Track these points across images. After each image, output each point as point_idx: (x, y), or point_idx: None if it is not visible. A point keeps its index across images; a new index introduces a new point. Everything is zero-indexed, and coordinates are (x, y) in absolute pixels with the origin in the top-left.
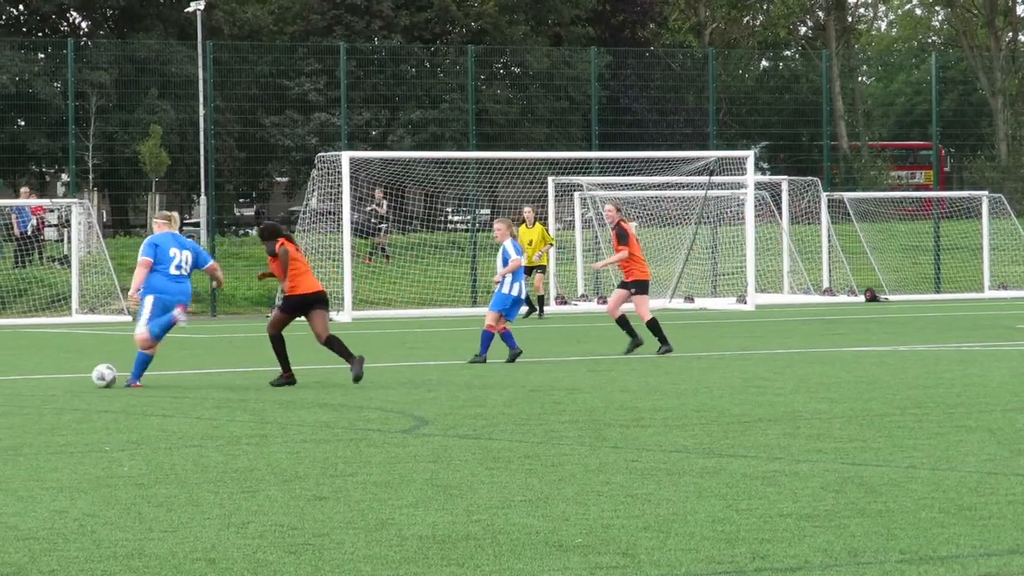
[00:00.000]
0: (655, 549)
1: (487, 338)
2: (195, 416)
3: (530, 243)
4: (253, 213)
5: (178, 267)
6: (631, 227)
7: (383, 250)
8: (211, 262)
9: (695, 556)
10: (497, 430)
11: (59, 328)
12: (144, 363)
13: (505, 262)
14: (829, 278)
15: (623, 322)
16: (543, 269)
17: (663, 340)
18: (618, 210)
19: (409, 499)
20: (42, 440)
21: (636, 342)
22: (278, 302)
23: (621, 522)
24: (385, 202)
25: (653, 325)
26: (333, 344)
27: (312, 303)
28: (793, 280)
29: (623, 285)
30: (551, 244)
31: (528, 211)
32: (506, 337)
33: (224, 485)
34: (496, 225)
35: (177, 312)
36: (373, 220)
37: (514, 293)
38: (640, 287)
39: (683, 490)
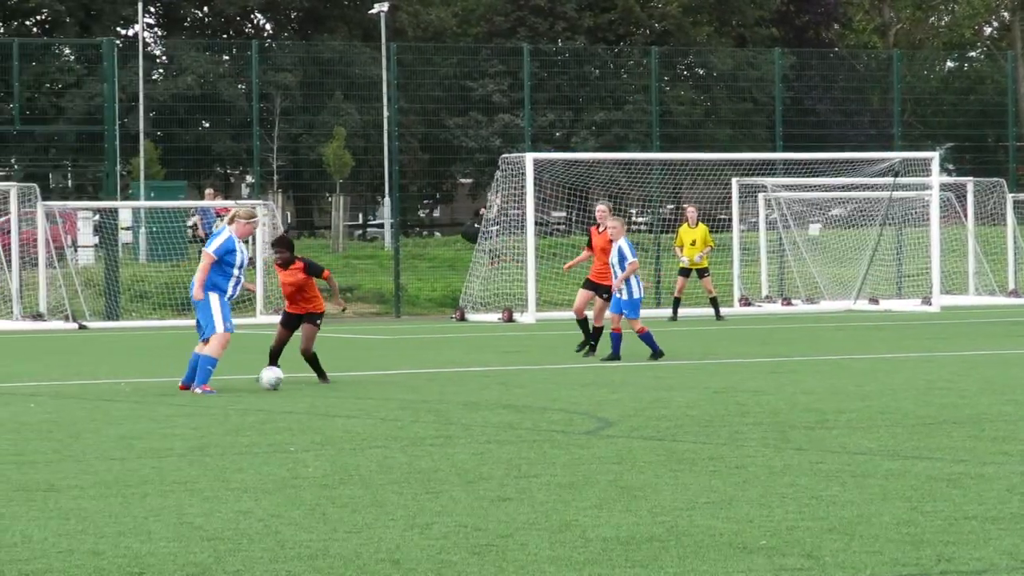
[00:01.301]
0: (839, 551)
1: (616, 340)
2: (379, 417)
3: (692, 243)
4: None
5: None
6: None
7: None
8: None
9: (880, 559)
10: (681, 431)
11: (243, 329)
12: (214, 366)
13: (620, 260)
14: (1015, 279)
15: (585, 323)
16: (707, 272)
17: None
18: (612, 211)
19: (593, 500)
20: (227, 441)
21: (598, 348)
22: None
23: (805, 524)
24: (496, 203)
25: (599, 332)
26: (314, 359)
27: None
28: (979, 281)
29: (592, 286)
30: (712, 247)
31: (692, 210)
32: (645, 338)
33: (408, 486)
34: (611, 223)
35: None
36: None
37: (642, 294)
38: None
39: (868, 492)
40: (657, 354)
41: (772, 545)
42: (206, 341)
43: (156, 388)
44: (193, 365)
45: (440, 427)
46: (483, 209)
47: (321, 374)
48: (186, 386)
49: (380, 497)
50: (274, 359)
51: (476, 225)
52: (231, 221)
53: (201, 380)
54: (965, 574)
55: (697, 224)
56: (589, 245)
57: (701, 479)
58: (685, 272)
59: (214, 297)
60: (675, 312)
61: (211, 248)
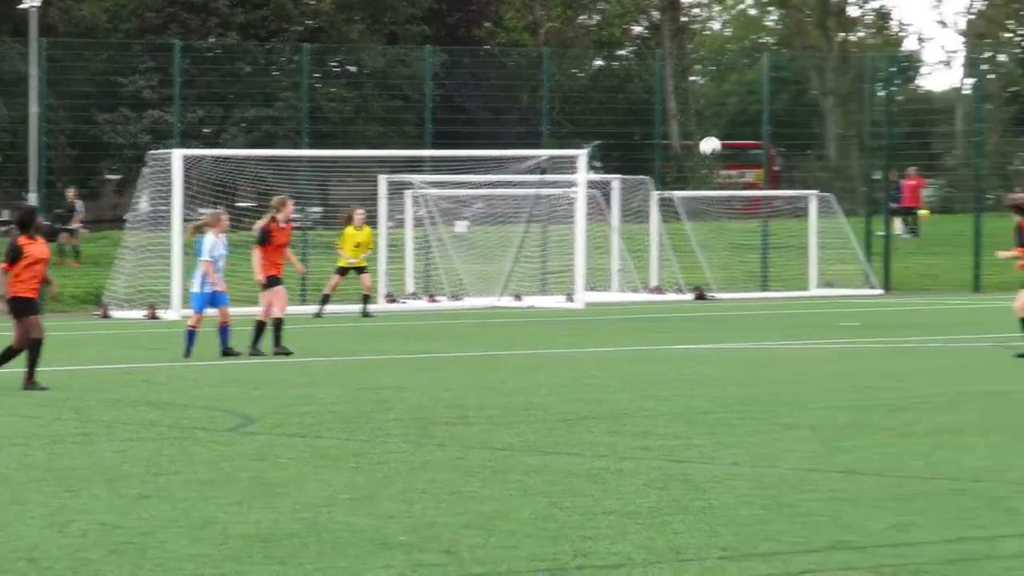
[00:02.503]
0: (478, 547)
1: (190, 336)
2: (20, 414)
3: (357, 245)
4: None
5: None
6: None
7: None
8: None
9: (517, 553)
10: (324, 428)
11: None
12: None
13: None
14: (658, 276)
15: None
16: (366, 269)
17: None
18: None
19: (234, 497)
20: None
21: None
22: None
23: (445, 520)
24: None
25: (277, 323)
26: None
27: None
28: (622, 278)
29: (277, 281)
30: (372, 249)
31: (360, 213)
32: (189, 335)
33: (47, 484)
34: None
35: None
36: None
37: (204, 291)
38: (273, 281)
39: (507, 488)
40: (187, 353)
41: (411, 541)
42: None
43: None
44: None
45: (81, 425)
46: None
47: None
48: None
49: (20, 495)
50: None
51: (48, 222)
52: None
53: None
54: (602, 568)
55: (362, 226)
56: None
57: (343, 475)
58: (342, 271)
59: None
60: (321, 309)
61: None
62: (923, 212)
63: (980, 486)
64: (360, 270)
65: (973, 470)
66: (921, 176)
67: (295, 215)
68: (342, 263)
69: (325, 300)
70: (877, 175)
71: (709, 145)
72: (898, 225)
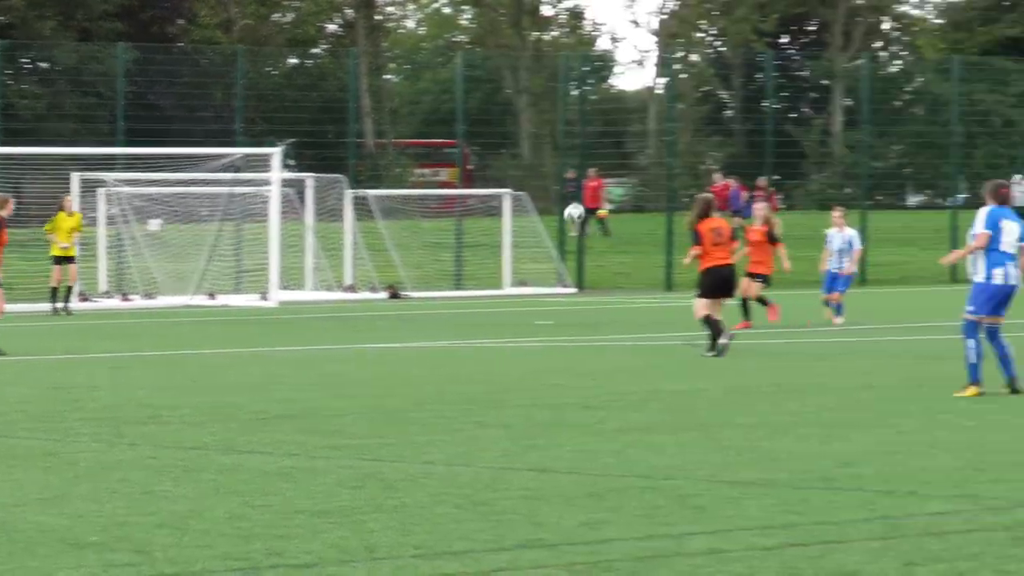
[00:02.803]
0: (170, 546)
1: None
2: None
3: (70, 230)
4: None
5: None
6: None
7: None
8: None
9: (211, 553)
10: (14, 427)
11: None
12: None
13: None
14: (352, 275)
15: None
16: (73, 260)
17: None
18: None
19: None
20: None
21: None
22: None
23: (136, 519)
24: None
25: None
26: None
27: None
28: (317, 277)
29: None
30: (81, 232)
31: (69, 199)
32: None
33: None
34: None
35: None
36: None
37: None
38: None
39: (201, 487)
40: None
41: (102, 541)
42: None
43: None
44: None
45: None
46: None
47: None
48: None
49: None
50: None
51: None
52: None
53: None
54: (295, 567)
55: (72, 213)
56: None
57: (34, 475)
58: (59, 260)
59: None
60: (58, 304)
61: None
62: (602, 212)
63: (670, 484)
64: (68, 260)
65: (663, 468)
66: (601, 176)
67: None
68: (56, 251)
69: (54, 294)
70: (571, 174)
71: (576, 211)
72: (575, 227)
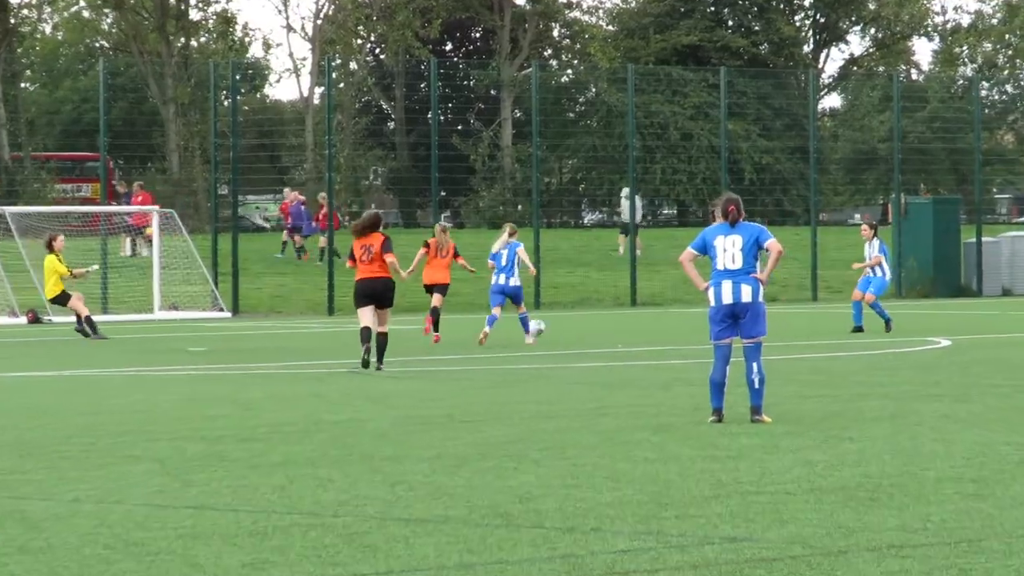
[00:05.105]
0: None
1: None
2: None
3: None
4: None
5: None
6: None
7: None
8: None
9: None
10: None
11: None
12: None
13: None
14: None
15: None
16: None
17: None
18: None
19: None
20: None
21: None
22: None
23: None
24: None
25: None
26: None
27: None
28: None
29: None
30: None
31: None
32: None
33: None
34: None
35: None
36: None
37: None
38: None
39: None
40: None
41: None
42: None
43: None
44: None
45: None
46: None
47: None
48: None
49: None
50: None
51: None
52: None
53: None
54: None
55: None
56: None
57: None
58: None
59: None
60: None
61: None
62: (149, 231)
63: (338, 521)
64: None
65: (330, 504)
66: (147, 191)
67: None
68: None
69: None
70: (224, 191)
71: (536, 326)
72: (128, 247)
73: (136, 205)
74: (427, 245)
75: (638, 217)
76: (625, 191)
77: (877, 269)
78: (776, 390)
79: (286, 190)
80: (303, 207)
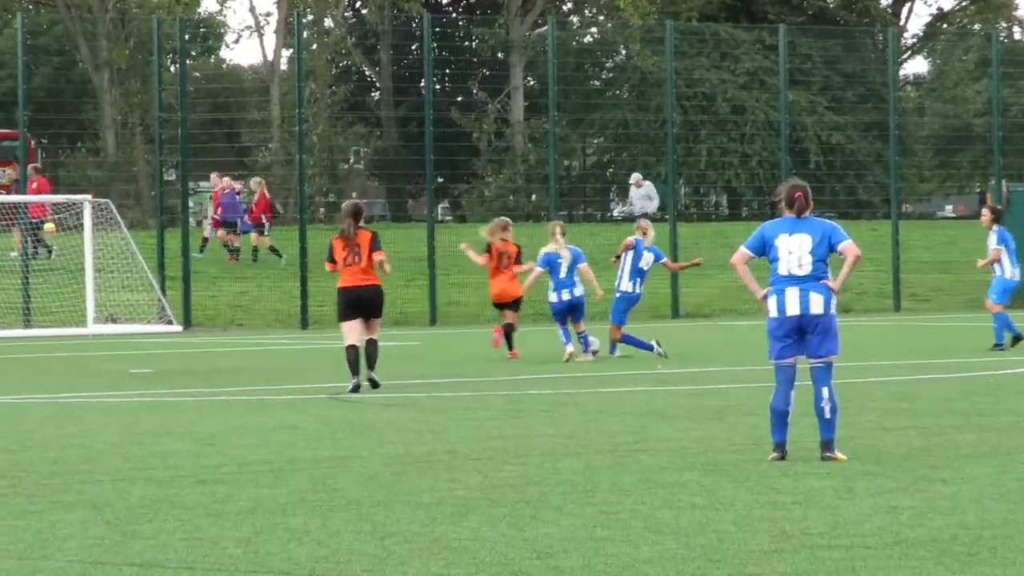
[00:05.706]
0: None
1: None
2: None
3: None
4: None
5: None
6: None
7: None
8: None
9: None
10: None
11: None
12: None
13: None
14: None
15: None
16: None
17: None
18: None
19: None
20: None
21: None
22: None
23: None
24: None
25: None
26: None
27: None
28: None
29: None
30: None
31: None
32: None
33: None
34: None
35: None
36: None
37: None
38: None
39: None
40: None
41: None
42: None
43: None
44: None
45: None
46: None
47: None
48: None
49: None
50: None
51: None
52: None
53: None
54: None
55: None
56: None
57: None
58: None
59: None
60: None
61: None
62: (49, 227)
63: None
64: None
65: (305, 560)
66: (44, 176)
67: None
68: None
69: None
70: (171, 176)
71: (596, 344)
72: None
73: (32, 194)
74: (489, 251)
75: (652, 208)
76: (635, 176)
77: (996, 267)
78: (851, 420)
79: (253, 181)
80: (238, 196)
